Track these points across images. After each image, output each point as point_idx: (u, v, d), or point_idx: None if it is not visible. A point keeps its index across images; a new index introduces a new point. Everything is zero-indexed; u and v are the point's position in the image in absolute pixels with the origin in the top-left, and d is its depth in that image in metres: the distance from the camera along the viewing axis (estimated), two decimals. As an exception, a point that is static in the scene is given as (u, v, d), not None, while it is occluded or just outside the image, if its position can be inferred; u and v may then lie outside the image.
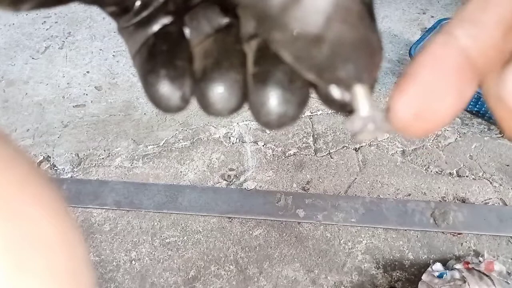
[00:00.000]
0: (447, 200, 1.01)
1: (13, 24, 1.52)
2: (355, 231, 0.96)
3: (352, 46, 0.13)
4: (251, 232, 0.97)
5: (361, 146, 1.12)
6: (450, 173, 1.06)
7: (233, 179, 1.06)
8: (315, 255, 0.93)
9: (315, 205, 0.99)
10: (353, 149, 1.11)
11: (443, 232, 0.95)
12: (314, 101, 1.19)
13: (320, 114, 1.19)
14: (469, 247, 0.94)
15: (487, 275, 0.80)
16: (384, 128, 0.14)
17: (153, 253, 0.95)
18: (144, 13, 0.17)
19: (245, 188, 1.04)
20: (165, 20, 0.17)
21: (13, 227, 0.13)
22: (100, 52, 1.41)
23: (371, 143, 1.12)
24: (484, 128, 1.14)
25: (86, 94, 1.28)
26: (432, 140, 1.12)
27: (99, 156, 1.13)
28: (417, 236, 0.95)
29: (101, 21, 1.51)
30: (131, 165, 1.10)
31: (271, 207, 1.00)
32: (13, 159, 0.15)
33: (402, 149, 1.11)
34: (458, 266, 0.84)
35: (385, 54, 1.33)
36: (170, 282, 0.91)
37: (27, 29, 1.50)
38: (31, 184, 0.15)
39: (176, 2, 0.17)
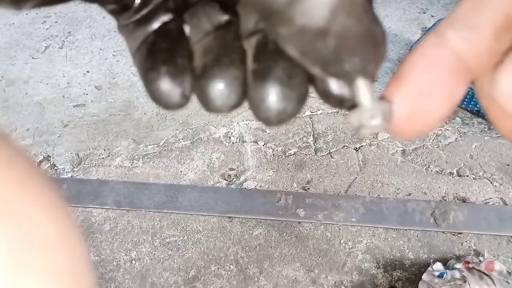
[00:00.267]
0: (447, 200, 1.01)
1: (13, 23, 1.52)
2: (356, 231, 0.96)
3: (357, 38, 0.13)
4: (251, 231, 0.97)
5: (361, 146, 1.12)
6: (450, 172, 1.06)
7: (233, 178, 1.06)
8: (315, 255, 0.93)
9: (316, 205, 0.99)
10: (354, 149, 1.11)
11: (443, 232, 0.95)
12: (314, 100, 1.19)
13: (320, 114, 1.19)
14: (469, 246, 0.94)
15: (487, 275, 0.80)
16: (387, 122, 0.14)
17: (153, 252, 0.95)
18: (144, 11, 0.17)
19: (245, 188, 1.04)
20: (165, 17, 0.17)
21: (13, 227, 0.13)
22: (100, 52, 1.41)
23: (371, 143, 1.12)
24: (485, 127, 1.14)
25: (86, 94, 1.28)
26: (433, 140, 1.12)
27: (99, 155, 1.13)
28: (417, 236, 0.95)
29: (101, 20, 1.51)
30: (131, 164, 1.10)
31: (271, 207, 1.00)
32: (13, 159, 0.15)
33: (402, 149, 1.10)
34: (458, 265, 0.84)
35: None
36: (170, 282, 0.91)
37: (27, 28, 1.50)
38: (31, 184, 0.15)
39: (175, 0, 0.17)
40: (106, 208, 1.01)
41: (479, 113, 1.15)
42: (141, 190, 1.04)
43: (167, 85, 0.16)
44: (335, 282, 0.90)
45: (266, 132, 1.15)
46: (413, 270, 0.91)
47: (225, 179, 1.06)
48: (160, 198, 1.02)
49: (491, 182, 1.04)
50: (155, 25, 0.17)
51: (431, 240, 0.94)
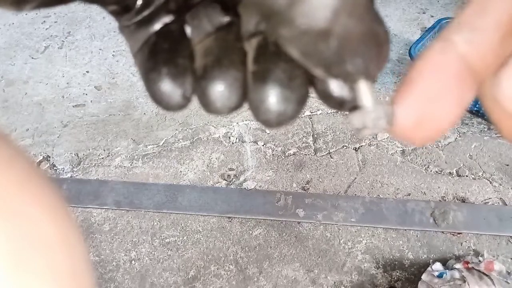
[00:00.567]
0: (447, 200, 1.01)
1: (13, 23, 1.52)
2: (355, 231, 0.96)
3: (360, 39, 0.13)
4: (251, 232, 0.97)
5: (361, 146, 1.12)
6: (450, 172, 1.06)
7: (233, 178, 1.06)
8: (315, 255, 0.93)
9: (315, 205, 0.99)
10: (353, 149, 1.11)
11: (443, 232, 0.95)
12: (314, 100, 1.19)
13: (320, 114, 1.19)
14: (468, 246, 0.94)
15: (487, 275, 0.80)
16: (389, 123, 0.14)
17: (153, 253, 0.95)
18: (146, 12, 0.17)
19: (245, 188, 1.04)
20: (166, 18, 0.17)
21: (13, 227, 0.13)
22: (100, 52, 1.41)
23: (371, 143, 1.12)
24: (484, 127, 1.14)
25: (86, 94, 1.28)
26: (432, 140, 1.12)
27: (99, 156, 1.13)
28: (417, 236, 0.95)
29: (101, 20, 1.51)
30: (130, 165, 1.10)
31: (271, 207, 1.00)
32: (13, 159, 0.15)
33: (401, 149, 1.11)
34: (458, 265, 0.84)
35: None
36: (170, 282, 0.91)
37: (27, 28, 1.50)
38: (31, 184, 0.15)
39: (177, 1, 0.17)
40: (105, 208, 1.01)
41: (478, 113, 1.15)
42: (140, 190, 1.04)
43: (168, 86, 0.16)
44: (334, 282, 0.90)
45: (265, 132, 1.15)
46: (413, 270, 0.91)
47: (224, 179, 1.06)
48: (159, 198, 1.02)
49: (490, 182, 1.04)
50: (157, 26, 0.17)
51: (431, 240, 0.94)
